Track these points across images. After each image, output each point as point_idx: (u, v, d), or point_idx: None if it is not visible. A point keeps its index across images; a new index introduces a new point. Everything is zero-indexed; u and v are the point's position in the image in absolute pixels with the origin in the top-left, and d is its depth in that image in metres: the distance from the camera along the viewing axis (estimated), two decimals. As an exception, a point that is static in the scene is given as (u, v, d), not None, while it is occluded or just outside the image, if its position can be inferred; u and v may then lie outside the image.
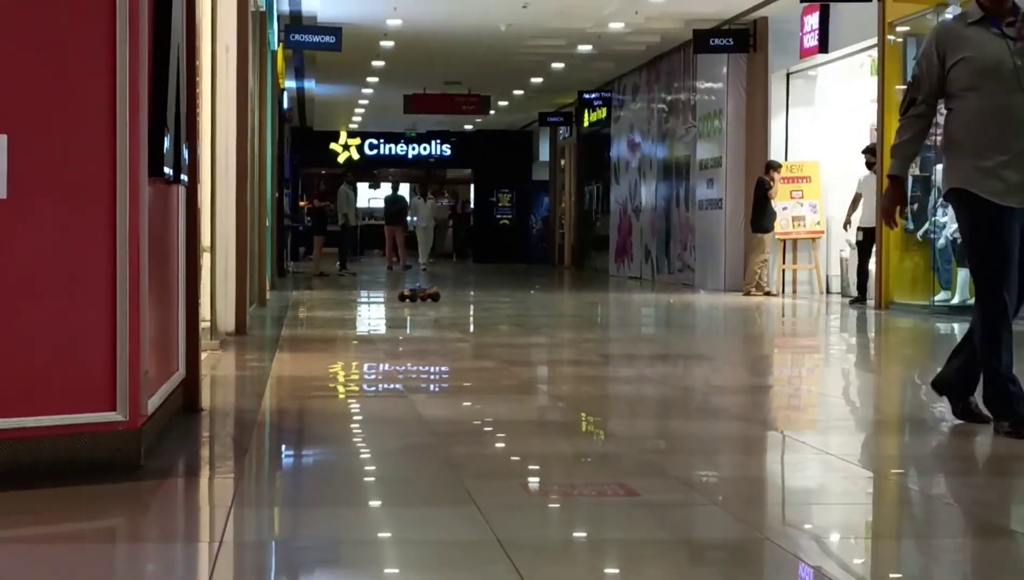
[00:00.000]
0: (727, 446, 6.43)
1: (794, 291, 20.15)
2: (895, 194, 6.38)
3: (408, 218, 32.18)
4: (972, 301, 14.93)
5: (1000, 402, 6.08)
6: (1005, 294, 6.04)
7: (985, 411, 6.22)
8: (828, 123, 20.48)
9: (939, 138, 17.25)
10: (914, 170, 16.83)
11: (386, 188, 45.65)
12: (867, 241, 17.07)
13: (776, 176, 19.49)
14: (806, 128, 20.84)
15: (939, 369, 6.56)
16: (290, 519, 4.72)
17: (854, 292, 18.36)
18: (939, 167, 15.88)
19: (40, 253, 4.90)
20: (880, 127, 17.17)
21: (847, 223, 17.73)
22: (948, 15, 15.87)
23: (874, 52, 17.59)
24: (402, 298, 16.87)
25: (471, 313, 17.04)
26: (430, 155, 42.89)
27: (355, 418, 7.23)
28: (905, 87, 6.42)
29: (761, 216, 19.43)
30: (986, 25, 6.12)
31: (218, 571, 3.84)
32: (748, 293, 19.55)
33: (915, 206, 16.68)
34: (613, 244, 30.13)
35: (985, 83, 6.06)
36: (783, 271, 20.34)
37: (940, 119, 6.42)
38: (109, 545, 4.31)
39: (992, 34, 6.10)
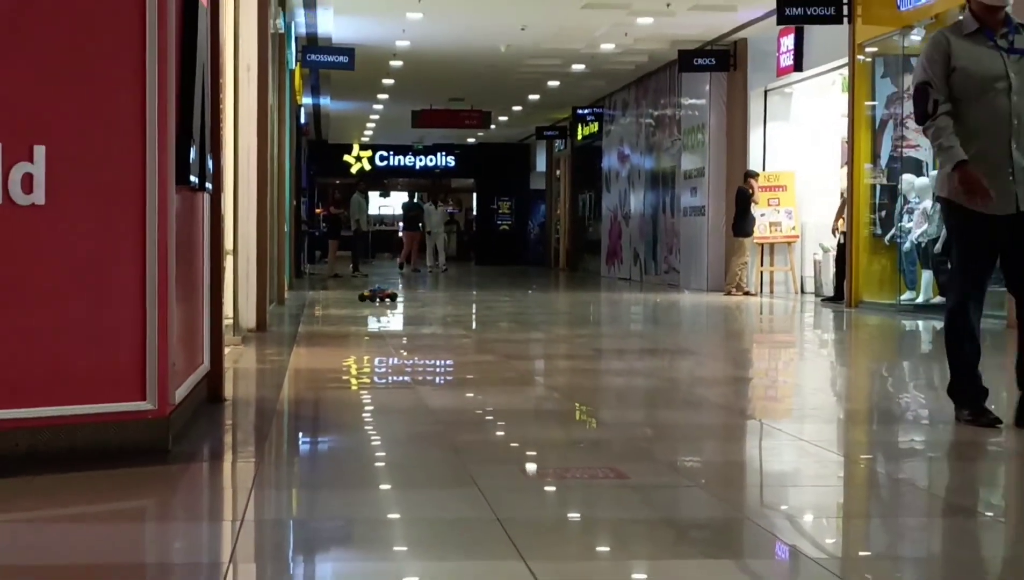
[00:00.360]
0: (710, 433, 6.43)
1: (771, 291, 20.15)
2: (973, 173, 5.78)
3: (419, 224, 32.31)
4: (936, 300, 15.05)
5: (962, 393, 6.06)
6: (976, 299, 5.98)
7: None
8: (803, 136, 20.51)
9: (905, 149, 17.28)
10: (881, 179, 16.86)
11: (396, 196, 45.71)
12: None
13: (755, 184, 19.56)
14: (782, 141, 20.86)
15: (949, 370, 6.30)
16: (307, 500, 4.72)
17: (826, 292, 18.39)
18: (905, 176, 15.92)
19: (76, 255, 4.90)
20: (851, 140, 17.19)
21: (835, 228, 17.78)
22: (915, 36, 15.91)
23: (845, 71, 17.59)
24: (362, 298, 16.84)
25: (473, 311, 17.04)
26: (436, 166, 42.94)
27: (367, 407, 7.23)
28: (918, 94, 6.00)
29: (742, 222, 19.46)
30: (981, 37, 5.91)
31: (240, 547, 3.85)
32: (729, 293, 19.56)
33: (883, 213, 16.70)
34: (604, 248, 30.13)
35: (980, 94, 5.86)
36: (761, 273, 20.34)
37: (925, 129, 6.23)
38: (140, 523, 4.31)
39: (987, 46, 5.89)
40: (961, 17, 6.20)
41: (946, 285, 6.29)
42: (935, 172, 15.66)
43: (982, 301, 6.04)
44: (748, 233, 19.49)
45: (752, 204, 19.44)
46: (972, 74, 5.86)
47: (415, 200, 32.33)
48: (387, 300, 16.62)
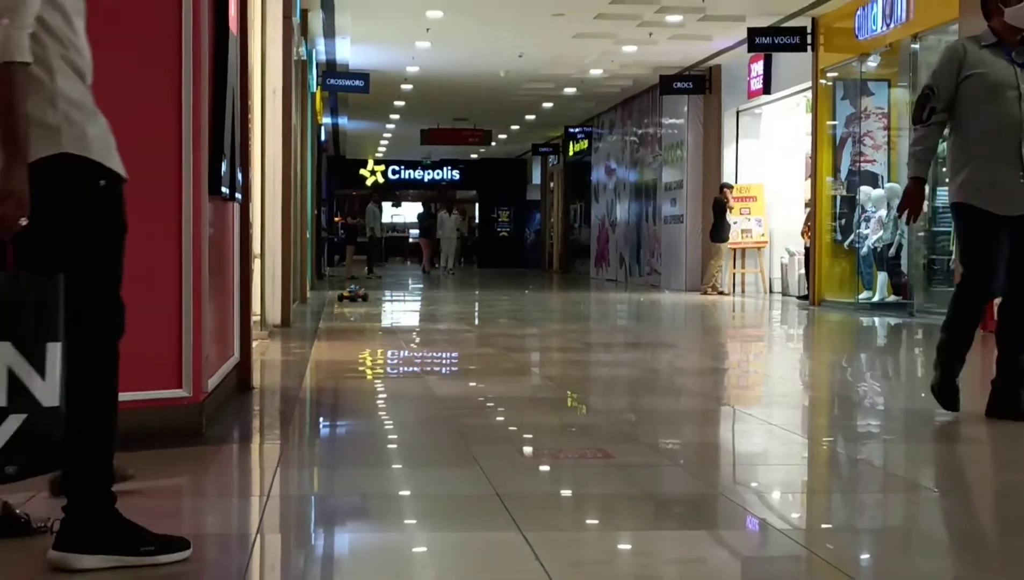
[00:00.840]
0: (687, 418, 6.43)
1: (743, 291, 20.16)
2: (919, 192, 5.74)
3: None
4: (890, 299, 15.05)
5: (948, 362, 5.77)
6: (984, 302, 5.70)
7: None
8: (771, 152, 20.53)
9: (863, 164, 17.20)
10: (841, 191, 16.87)
11: (407, 206, 45.66)
12: None
13: (729, 194, 19.61)
14: (753, 156, 20.89)
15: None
16: (327, 477, 4.72)
17: (792, 292, 18.40)
18: (863, 188, 15.91)
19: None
20: (814, 156, 17.19)
21: (804, 231, 17.83)
22: (871, 63, 15.91)
23: (809, 93, 17.61)
24: (340, 298, 16.78)
25: (476, 309, 17.03)
26: (442, 179, 42.95)
27: (380, 395, 7.23)
28: (921, 97, 5.76)
29: (719, 228, 19.50)
30: (999, 50, 5.67)
31: (266, 519, 3.84)
32: (705, 292, 19.58)
33: (842, 221, 16.70)
34: (593, 252, 30.14)
35: (992, 99, 5.61)
36: (734, 274, 20.35)
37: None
38: (176, 499, 4.30)
39: (1004, 59, 5.65)
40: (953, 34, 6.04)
41: (960, 284, 5.88)
42: (890, 184, 15.77)
43: (992, 299, 5.79)
44: (724, 239, 19.54)
45: (727, 212, 19.50)
46: (986, 80, 5.63)
47: (431, 210, 32.28)
48: (359, 299, 16.58)
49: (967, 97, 5.65)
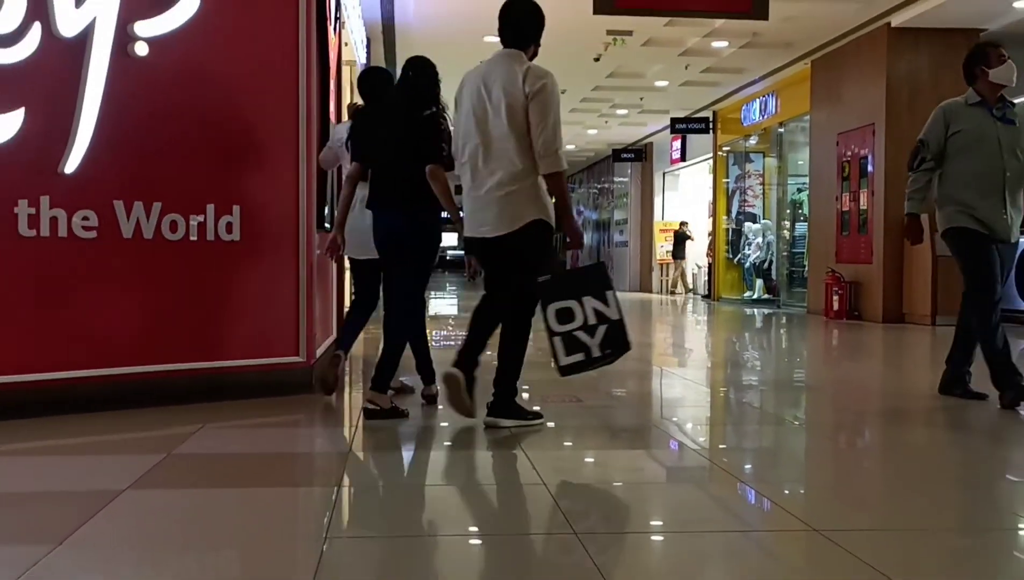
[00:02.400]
0: (631, 375, 6.41)
1: (669, 292, 20.15)
2: (917, 227, 4.84)
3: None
4: (764, 297, 15.02)
5: (1002, 379, 4.77)
6: (993, 301, 4.73)
7: (978, 390, 4.90)
8: (686, 201, 20.53)
9: (746, 208, 17.04)
10: (732, 225, 16.85)
11: (445, 237, 45.58)
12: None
13: (687, 228, 19.68)
14: (674, 203, 20.88)
15: (940, 377, 5.12)
16: (393, 414, 4.71)
17: (700, 292, 18.38)
18: (747, 223, 15.89)
19: (259, 270, 4.90)
20: (714, 202, 17.18)
21: (707, 252, 17.85)
22: (752, 141, 15.89)
23: (711, 161, 17.61)
24: None
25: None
26: (469, 217, 42.92)
27: (428, 360, 7.20)
28: (915, 149, 4.87)
29: (679, 249, 19.55)
30: (983, 107, 4.83)
31: (355, 443, 3.85)
32: (675, 291, 19.59)
33: (733, 245, 16.70)
34: (568, 265, 30.09)
35: (978, 150, 4.78)
36: (663, 281, 20.33)
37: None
38: (295, 429, 4.31)
39: (987, 115, 4.81)
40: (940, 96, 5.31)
41: (969, 300, 4.79)
42: (764, 221, 15.69)
43: (999, 303, 4.78)
44: (683, 257, 19.61)
45: (687, 240, 19.50)
46: (971, 135, 4.80)
47: None
48: None
49: (956, 149, 4.82)
